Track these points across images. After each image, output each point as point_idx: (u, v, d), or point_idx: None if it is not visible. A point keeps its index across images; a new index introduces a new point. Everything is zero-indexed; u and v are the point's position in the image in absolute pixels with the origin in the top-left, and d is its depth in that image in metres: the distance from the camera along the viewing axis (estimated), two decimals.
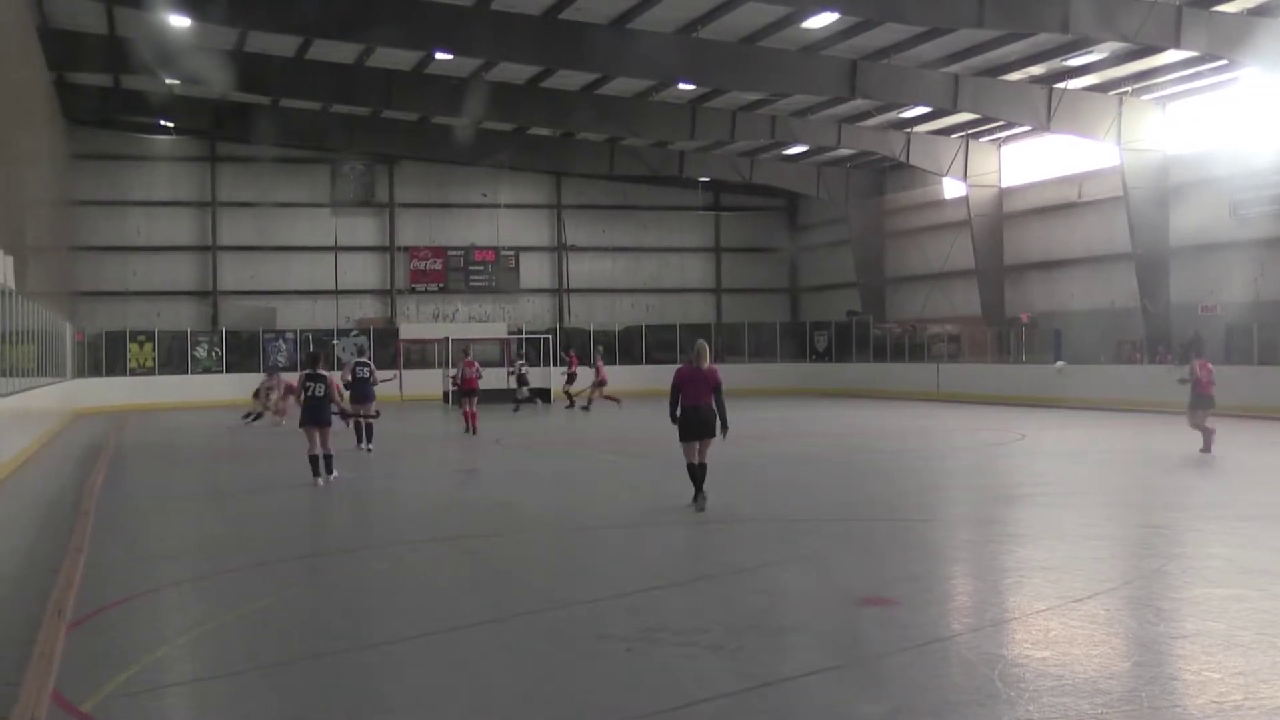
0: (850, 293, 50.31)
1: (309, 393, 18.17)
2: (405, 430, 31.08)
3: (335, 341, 45.44)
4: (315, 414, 18.06)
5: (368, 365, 24.81)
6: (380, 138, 45.10)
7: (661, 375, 45.59)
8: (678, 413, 14.77)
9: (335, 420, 18.57)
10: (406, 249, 49.81)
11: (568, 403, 38.34)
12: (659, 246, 53.31)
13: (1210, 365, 21.50)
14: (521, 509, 16.20)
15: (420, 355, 45.69)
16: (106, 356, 44.25)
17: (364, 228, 49.62)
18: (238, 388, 41.60)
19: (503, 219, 50.99)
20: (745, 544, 12.70)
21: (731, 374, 45.45)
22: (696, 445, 14.79)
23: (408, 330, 47.48)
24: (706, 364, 14.85)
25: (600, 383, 37.13)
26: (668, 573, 11.01)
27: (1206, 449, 20.75)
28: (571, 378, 38.66)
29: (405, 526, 14.73)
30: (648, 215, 52.94)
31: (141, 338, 44.83)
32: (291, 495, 18.03)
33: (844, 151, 44.87)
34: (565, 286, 52.09)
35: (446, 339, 42.71)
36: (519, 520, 15.23)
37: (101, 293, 45.84)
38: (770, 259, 54.91)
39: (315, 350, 21.59)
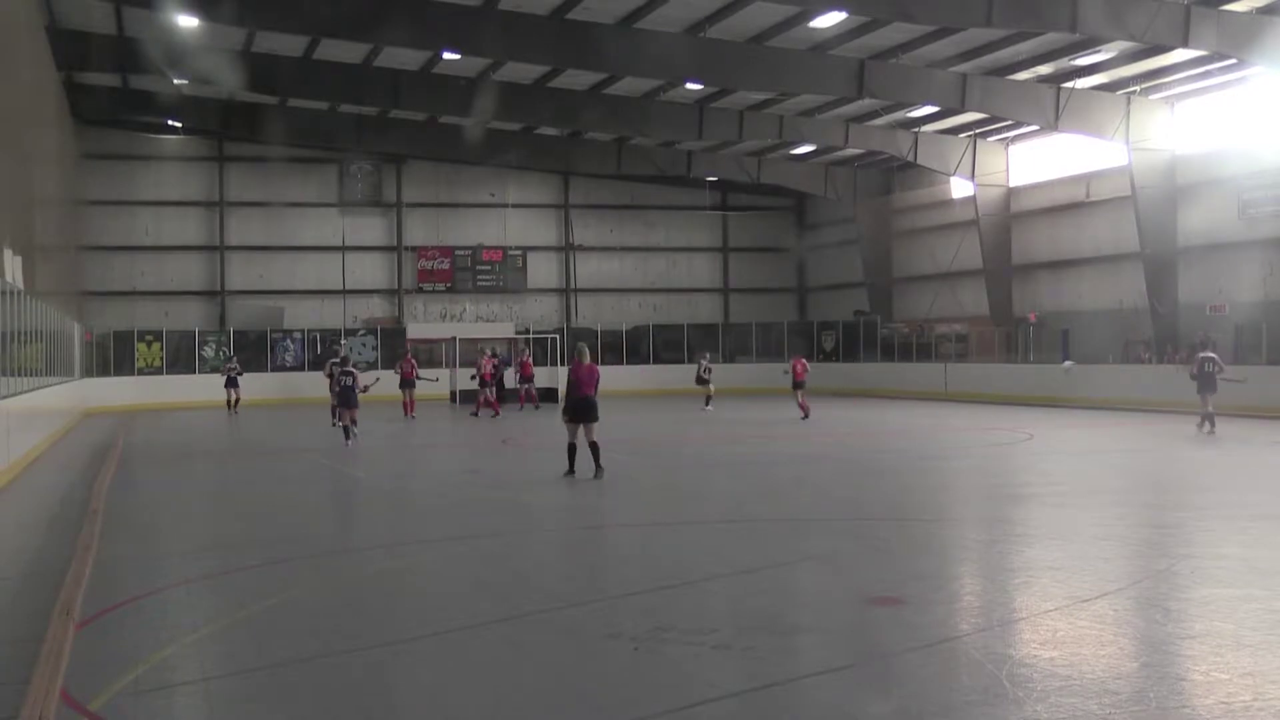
0: (858, 292, 50.30)
1: (342, 383, 25.19)
2: (413, 429, 31.19)
3: (343, 341, 45.51)
4: (346, 398, 25.02)
5: (352, 374, 25.66)
6: (388, 137, 45.13)
7: (669, 375, 45.70)
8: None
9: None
10: (414, 249, 49.86)
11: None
12: (667, 246, 53.32)
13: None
14: (531, 508, 16.22)
15: (428, 355, 45.70)
16: (115, 356, 44.35)
17: (371, 227, 49.67)
18: (247, 388, 41.75)
19: (510, 219, 51.03)
20: (754, 543, 12.70)
21: (740, 373, 45.11)
22: (580, 427, 18.08)
23: (415, 330, 47.53)
24: (587, 362, 18.25)
25: (528, 378, 36.59)
26: (677, 572, 11.00)
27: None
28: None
29: (415, 525, 14.75)
30: (655, 215, 52.96)
31: (150, 337, 44.92)
32: (301, 493, 18.10)
33: (852, 151, 44.85)
34: (573, 286, 52.10)
35: (454, 339, 42.77)
36: (529, 519, 15.26)
37: (110, 292, 45.94)
38: (778, 259, 54.90)
39: (345, 353, 29.56)
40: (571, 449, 18.27)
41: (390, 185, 49.59)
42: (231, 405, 39.25)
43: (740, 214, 54.01)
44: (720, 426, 30.19)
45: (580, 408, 18.11)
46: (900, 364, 45.88)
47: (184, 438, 30.10)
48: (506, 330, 47.92)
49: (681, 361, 48.04)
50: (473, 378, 35.92)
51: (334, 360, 30.11)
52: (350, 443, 24.49)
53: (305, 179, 48.48)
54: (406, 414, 34.27)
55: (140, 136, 45.96)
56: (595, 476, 17.79)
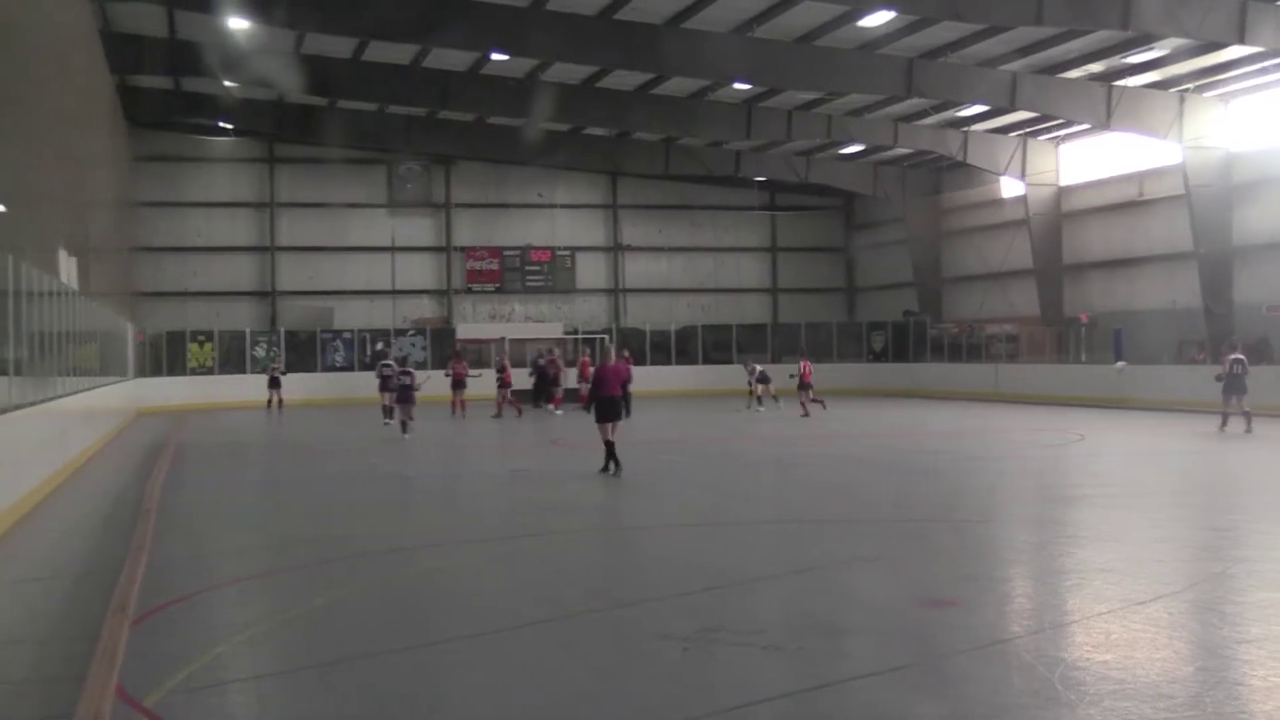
0: (907, 292, 50.07)
1: (401, 382, 27.20)
2: (462, 429, 31.32)
3: (393, 342, 45.68)
4: (404, 396, 26.88)
5: (391, 365, 30.01)
6: (437, 138, 45.31)
7: (718, 376, 45.59)
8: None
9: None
10: (463, 249, 50.04)
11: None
12: (715, 246, 53.27)
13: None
14: (578, 507, 16.26)
15: (478, 355, 45.80)
16: (167, 356, 44.70)
17: (420, 228, 49.89)
18: (298, 388, 42.00)
19: (558, 219, 51.13)
20: (804, 544, 12.67)
21: (788, 374, 45.09)
22: (610, 426, 18.41)
23: (464, 330, 47.62)
24: (614, 361, 18.97)
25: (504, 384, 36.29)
26: (727, 572, 10.98)
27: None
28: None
29: (462, 524, 14.80)
30: (703, 215, 52.92)
31: (201, 338, 45.24)
32: (349, 493, 18.21)
33: (901, 150, 44.64)
34: (621, 286, 52.16)
35: (503, 339, 42.89)
36: (576, 518, 15.29)
37: (162, 293, 46.34)
38: (827, 259, 54.73)
39: (402, 353, 31.51)
40: (608, 446, 18.51)
41: (439, 186, 49.80)
42: (273, 405, 39.57)
43: (788, 214, 53.84)
44: (768, 427, 30.12)
45: (608, 407, 18.50)
46: (950, 364, 45.61)
47: (235, 437, 30.35)
48: (555, 330, 47.92)
49: (730, 362, 47.98)
50: (532, 376, 36.40)
51: (384, 362, 31.24)
52: (408, 437, 26.34)
53: (355, 180, 48.74)
54: (455, 413, 34.59)
55: (191, 138, 46.32)
56: (615, 473, 18.26)
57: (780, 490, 17.65)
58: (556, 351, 39.43)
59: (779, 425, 30.30)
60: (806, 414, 32.43)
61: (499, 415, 34.74)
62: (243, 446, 27.88)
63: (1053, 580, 10.84)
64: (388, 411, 31.26)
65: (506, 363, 36.71)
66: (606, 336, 45.26)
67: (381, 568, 11.59)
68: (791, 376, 34.32)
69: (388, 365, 32.10)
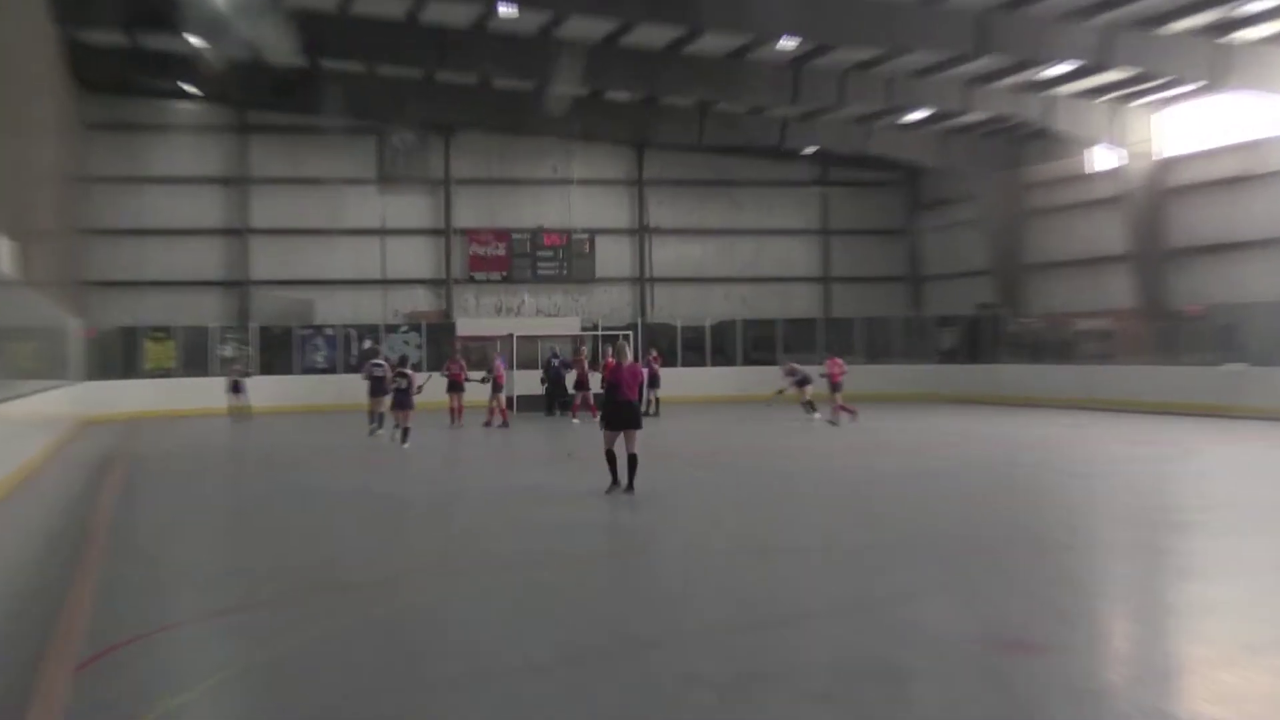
0: (982, 282, 49.86)
1: (396, 385, 28.41)
2: (462, 439, 31.33)
3: (382, 340, 45.77)
4: (401, 400, 28.06)
5: (382, 365, 31.46)
6: (434, 104, 45.37)
7: (759, 378, 45.63)
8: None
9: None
10: (464, 232, 50.15)
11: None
12: (757, 228, 53.24)
13: None
14: (594, 529, 16.27)
15: (480, 354, 45.81)
16: (121, 355, 44.88)
17: (415, 208, 50.02)
18: (272, 392, 42.03)
19: (575, 197, 51.17)
20: (857, 574, 12.60)
21: (845, 377, 44.92)
22: (620, 435, 18.65)
23: (466, 325, 47.64)
24: (628, 361, 18.91)
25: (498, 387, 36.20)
26: (766, 607, 10.93)
27: None
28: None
29: (461, 549, 14.77)
30: (744, 192, 52.92)
31: (160, 334, 45.43)
32: (331, 513, 18.19)
33: (973, 117, 44.46)
34: (648, 275, 52.21)
35: (510, 335, 42.81)
36: (591, 543, 15.31)
37: (115, 282, 46.50)
38: (887, 242, 54.65)
39: (403, 355, 33.27)
40: (611, 457, 18.77)
41: (437, 159, 49.90)
42: (236, 413, 39.45)
43: (843, 190, 53.79)
44: (817, 437, 30.05)
45: (622, 414, 18.75)
46: (1033, 366, 45.35)
47: (199, 449, 30.44)
48: (571, 326, 47.90)
49: (773, 363, 47.98)
50: (484, 379, 35.98)
51: (374, 361, 31.62)
52: (406, 446, 27.37)
53: (339, 152, 48.86)
54: (454, 421, 34.74)
55: (152, 104, 46.49)
56: (624, 489, 18.55)
57: (831, 511, 17.54)
58: (585, 351, 39.69)
59: (828, 436, 30.22)
60: (835, 422, 32.80)
61: (489, 423, 34.88)
62: (208, 460, 27.93)
63: (1157, 619, 10.76)
64: (374, 418, 31.60)
65: (499, 362, 36.81)
66: (630, 333, 45.26)
67: (367, 601, 11.56)
68: (822, 377, 34.45)
69: (378, 366, 32.30)
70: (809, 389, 35.58)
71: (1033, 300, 48.56)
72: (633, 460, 18.59)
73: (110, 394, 41.97)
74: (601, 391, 19.73)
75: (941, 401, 45.29)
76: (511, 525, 16.73)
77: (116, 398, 41.99)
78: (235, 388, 39.96)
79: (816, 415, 34.77)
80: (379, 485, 21.67)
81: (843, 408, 33.43)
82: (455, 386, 35.09)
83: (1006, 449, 27.62)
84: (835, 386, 33.69)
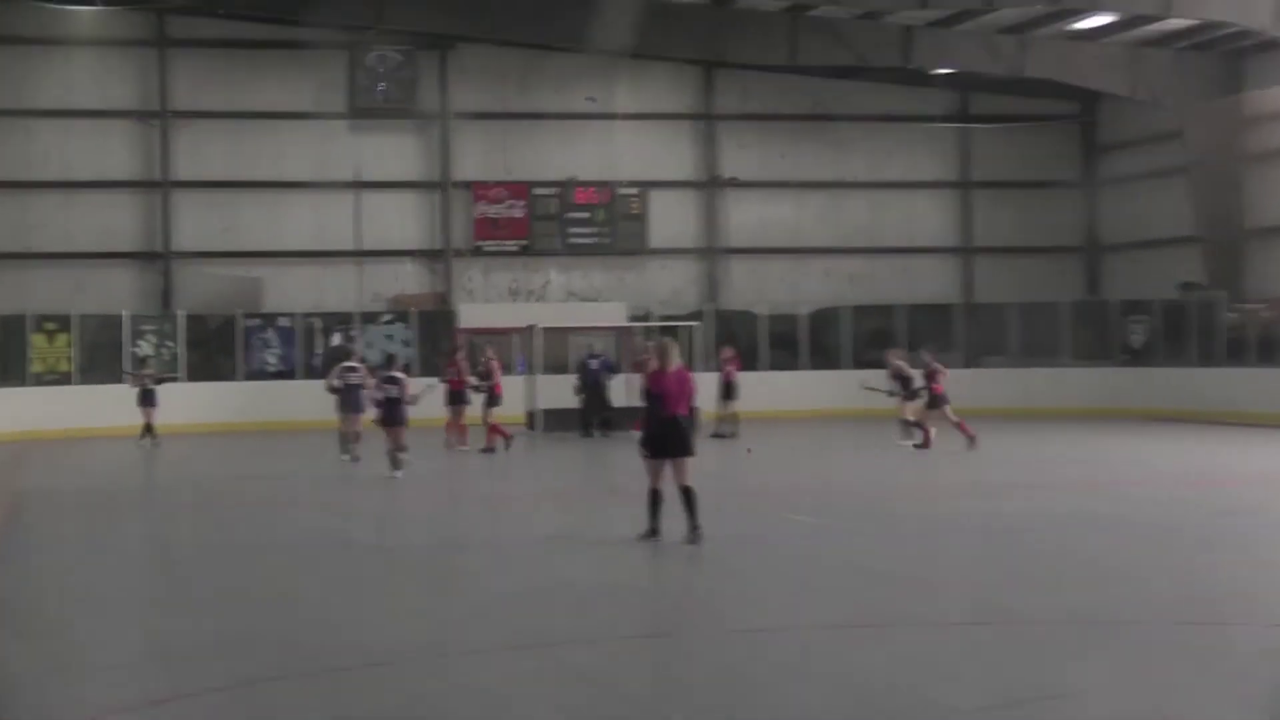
0: (1185, 253, 49.53)
1: (385, 394, 28.92)
2: (467, 467, 31.49)
3: (354, 332, 45.93)
4: (391, 414, 28.64)
5: (358, 370, 32.15)
6: (426, 7, 45.47)
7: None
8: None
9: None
10: (468, 185, 50.27)
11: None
12: (870, 180, 53.18)
13: None
14: (647, 596, 16.45)
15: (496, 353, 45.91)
16: None
17: (400, 152, 50.21)
18: (205, 404, 42.23)
19: (621, 138, 51.23)
20: (1018, 657, 12.67)
21: (992, 383, 44.49)
22: (666, 464, 18.97)
23: (471, 314, 47.60)
24: (675, 366, 19.32)
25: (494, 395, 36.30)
26: (897, 703, 11.04)
27: None
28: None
29: (470, 623, 14.85)
30: (852, 131, 52.87)
31: (52, 325, 45.51)
32: (293, 570, 18.35)
33: (1175, 23, 44.26)
34: (720, 244, 52.24)
35: (532, 327, 42.77)
36: (644, 614, 15.44)
37: None
38: (1052, 200, 54.51)
39: (391, 354, 33.60)
40: (655, 498, 19.12)
41: (430, 85, 49.95)
42: (147, 431, 38.81)
43: (990, 128, 53.70)
44: (956, 469, 30.07)
45: (668, 436, 19.08)
46: (1257, 370, 45.04)
47: (109, 482, 30.58)
48: (616, 314, 47.83)
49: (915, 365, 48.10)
50: (478, 387, 36.40)
51: (347, 365, 31.76)
52: (399, 474, 28.21)
53: (295, 75, 49.03)
54: (455, 444, 35.22)
55: (41, 9, 46.60)
56: (689, 539, 18.77)
57: (977, 570, 17.57)
58: (652, 348, 39.23)
59: (975, 468, 30.23)
60: (927, 444, 33.33)
61: (490, 448, 34.99)
62: (122, 500, 28.05)
63: None
64: (348, 440, 32.03)
65: (495, 365, 36.93)
66: (696, 324, 45.24)
67: (345, 692, 11.70)
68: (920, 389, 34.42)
69: (351, 369, 32.36)
70: (914, 404, 35.05)
71: (1257, 278, 48.27)
72: (689, 495, 18.83)
73: None
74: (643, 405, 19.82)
75: (1128, 418, 45.05)
76: (538, 589, 16.82)
77: None
78: (146, 398, 39.19)
79: (912, 442, 34.68)
80: (358, 532, 21.83)
81: (914, 423, 33.83)
82: (456, 398, 35.31)
83: (1219, 486, 27.59)
84: (937, 400, 33.75)
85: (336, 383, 32.38)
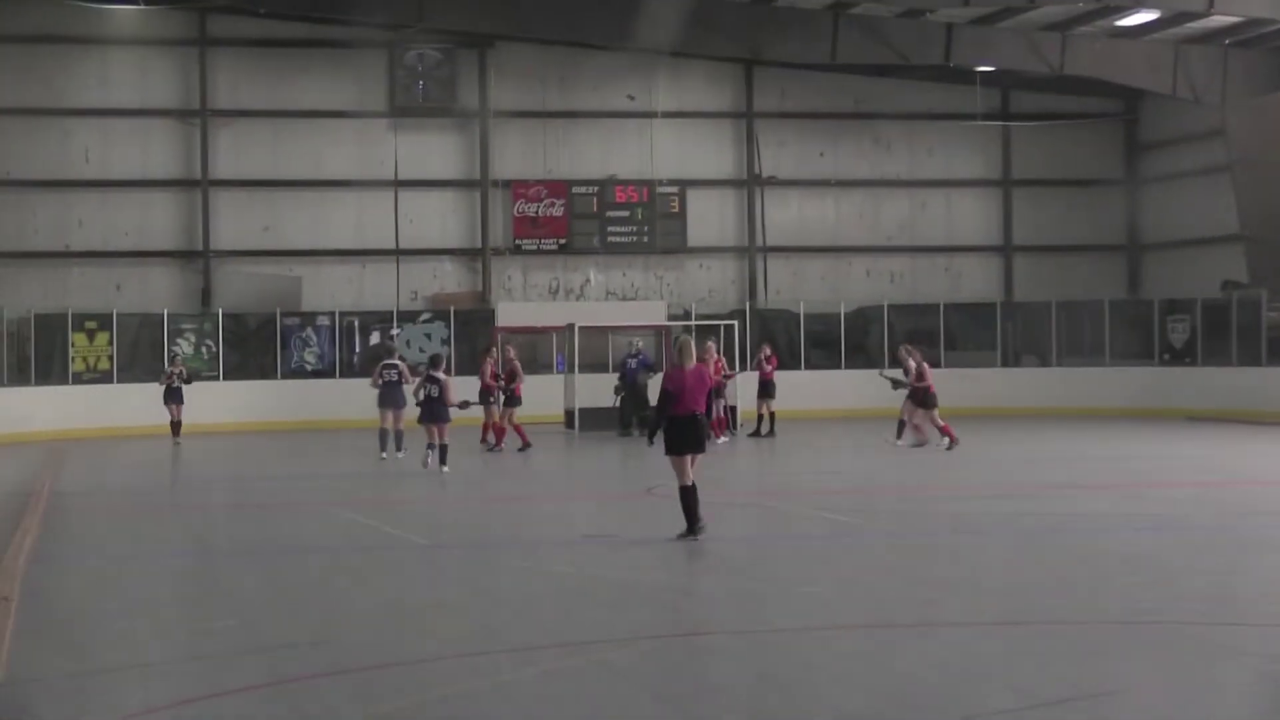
0: (1228, 252, 49.34)
1: (426, 393, 29.42)
2: (504, 466, 31.49)
3: (395, 330, 45.95)
4: (433, 412, 29.24)
5: (397, 367, 32.64)
6: (467, 6, 45.44)
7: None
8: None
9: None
10: (507, 184, 50.32)
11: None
12: (911, 179, 53.18)
13: None
14: (684, 595, 16.40)
15: (530, 352, 45.89)
16: (37, 353, 45.10)
17: (440, 151, 50.30)
18: (243, 403, 42.26)
19: (660, 136, 51.19)
20: (1057, 658, 12.58)
21: (1033, 383, 44.42)
22: (690, 460, 19.37)
23: (508, 313, 47.62)
24: (693, 364, 19.65)
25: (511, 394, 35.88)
26: (934, 703, 10.99)
27: None
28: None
29: (506, 622, 14.82)
30: (893, 129, 52.88)
31: (92, 324, 45.64)
32: (326, 570, 18.32)
33: (1218, 20, 44.09)
34: (760, 244, 52.17)
35: (570, 327, 42.77)
36: (681, 613, 15.41)
37: (28, 253, 47.06)
38: (1094, 198, 54.39)
39: (435, 353, 32.56)
40: (687, 494, 19.34)
41: (469, 83, 50.02)
42: (175, 430, 39.30)
43: (1032, 126, 53.55)
44: (993, 470, 29.97)
45: (687, 432, 19.43)
46: None
47: (145, 482, 30.67)
48: (656, 313, 47.81)
49: (935, 365, 47.83)
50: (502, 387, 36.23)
51: (388, 363, 31.87)
52: (446, 470, 29.31)
53: (335, 74, 49.20)
54: (492, 443, 35.40)
55: (82, 8, 46.59)
56: (688, 534, 19.33)
57: (1015, 571, 17.46)
58: (713, 347, 39.14)
59: (1012, 468, 30.13)
60: (920, 442, 33.45)
61: (499, 445, 35.21)
62: (157, 497, 28.15)
63: None
64: (388, 439, 32.22)
65: (517, 364, 36.81)
66: (733, 323, 45.17)
67: (379, 693, 11.62)
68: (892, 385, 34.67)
69: (391, 366, 32.50)
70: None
71: None
72: (692, 491, 19.16)
73: (20, 406, 42.21)
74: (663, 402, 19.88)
75: (1171, 418, 44.90)
76: (574, 589, 16.78)
77: (29, 411, 42.23)
78: (173, 395, 39.43)
79: (900, 441, 34.56)
80: (392, 532, 21.80)
81: (945, 429, 33.35)
82: (486, 396, 35.42)
83: (1265, 488, 27.50)
84: (928, 398, 33.51)
85: (378, 380, 32.64)
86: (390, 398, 32.04)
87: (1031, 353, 50.64)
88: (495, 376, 35.40)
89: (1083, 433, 38.66)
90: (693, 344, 19.88)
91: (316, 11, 44.63)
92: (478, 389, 35.34)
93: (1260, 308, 46.81)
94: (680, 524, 19.29)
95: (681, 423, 19.25)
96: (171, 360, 41.43)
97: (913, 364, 34.20)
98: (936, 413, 33.37)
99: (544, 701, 11.54)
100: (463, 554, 20.22)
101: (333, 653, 13.13)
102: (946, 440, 33.01)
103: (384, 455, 32.02)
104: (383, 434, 32.36)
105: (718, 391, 37.57)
